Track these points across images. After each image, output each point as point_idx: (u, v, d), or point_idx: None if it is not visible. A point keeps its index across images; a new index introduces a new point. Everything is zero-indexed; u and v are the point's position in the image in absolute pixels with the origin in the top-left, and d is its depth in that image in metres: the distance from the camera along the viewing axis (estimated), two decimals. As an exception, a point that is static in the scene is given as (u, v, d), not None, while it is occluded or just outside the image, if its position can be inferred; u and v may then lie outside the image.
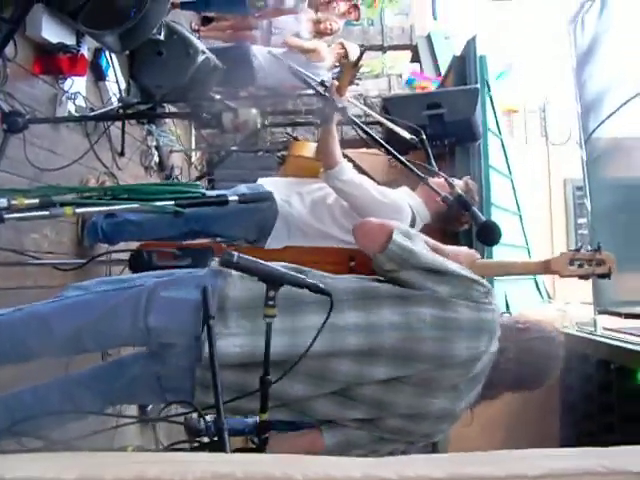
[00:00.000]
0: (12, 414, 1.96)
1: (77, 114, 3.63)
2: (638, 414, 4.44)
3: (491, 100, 5.76)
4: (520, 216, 6.30)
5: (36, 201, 1.76)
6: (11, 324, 2.02)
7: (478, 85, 5.24)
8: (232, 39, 6.03)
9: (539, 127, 8.74)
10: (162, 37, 4.22)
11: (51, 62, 3.43)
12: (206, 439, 1.73)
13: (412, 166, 2.94)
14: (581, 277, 2.46)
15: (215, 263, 2.01)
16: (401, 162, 2.90)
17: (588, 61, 5.61)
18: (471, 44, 5.55)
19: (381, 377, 1.89)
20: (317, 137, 5.69)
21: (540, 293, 6.23)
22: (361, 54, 3.15)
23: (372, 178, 4.13)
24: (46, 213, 1.79)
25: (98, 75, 4.01)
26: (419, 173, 2.94)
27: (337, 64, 5.94)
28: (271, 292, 1.67)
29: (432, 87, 7.63)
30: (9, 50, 3.04)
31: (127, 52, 4.20)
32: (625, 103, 4.85)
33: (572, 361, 5.50)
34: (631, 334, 4.92)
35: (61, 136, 3.53)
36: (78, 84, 3.66)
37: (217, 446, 1.58)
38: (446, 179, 2.84)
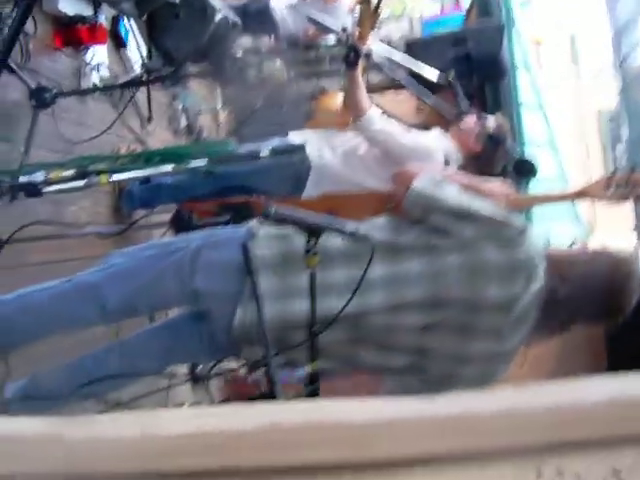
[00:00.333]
0: (76, 379, 2.00)
1: (102, 84, 3.63)
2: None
3: (518, 34, 5.61)
4: (555, 150, 6.19)
5: (72, 172, 1.77)
6: (63, 295, 2.05)
7: (504, 20, 5.10)
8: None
9: (569, 58, 8.51)
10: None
11: (71, 34, 3.44)
12: (258, 392, 1.75)
13: (441, 106, 2.90)
14: (619, 199, 2.40)
15: (254, 222, 2.01)
16: (431, 105, 2.86)
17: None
18: (494, -23, 5.39)
19: (413, 324, 1.88)
20: (343, 86, 5.63)
21: (580, 227, 6.14)
22: (379, 2, 3.08)
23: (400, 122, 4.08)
24: (82, 183, 1.80)
25: (118, 43, 4.01)
26: (447, 114, 2.90)
27: (356, 5, 5.81)
28: (312, 241, 1.67)
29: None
30: (29, 27, 3.04)
31: (145, 17, 4.16)
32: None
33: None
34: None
35: (88, 107, 3.55)
36: (100, 54, 3.67)
37: (269, 398, 1.60)
38: (478, 115, 2.79)
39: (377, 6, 3.11)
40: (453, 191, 1.94)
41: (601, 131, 8.50)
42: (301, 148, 2.20)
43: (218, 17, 4.43)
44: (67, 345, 2.33)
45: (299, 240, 1.79)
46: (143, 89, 4.15)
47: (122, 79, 3.78)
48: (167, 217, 2.69)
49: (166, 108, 4.69)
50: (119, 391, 1.94)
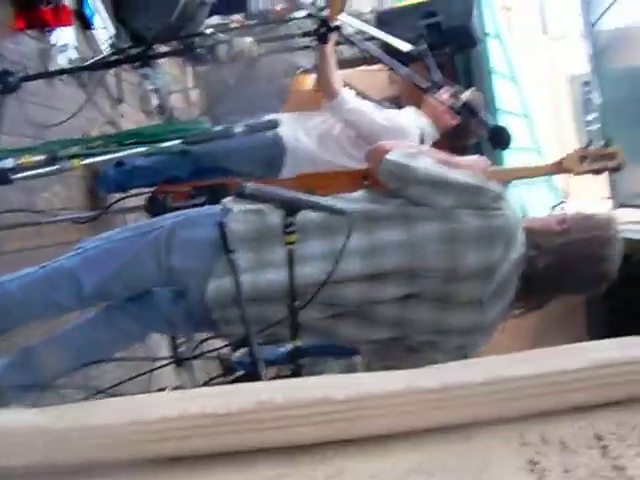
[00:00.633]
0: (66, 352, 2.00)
1: (69, 66, 3.56)
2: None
3: (488, 1, 5.59)
4: (528, 118, 6.21)
5: (43, 157, 1.74)
6: (38, 282, 2.03)
7: (473, -12, 5.07)
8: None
9: (539, 23, 8.51)
10: (144, -23, 4.11)
11: (33, 16, 3.35)
12: (242, 372, 1.75)
13: (413, 78, 2.89)
14: (594, 172, 2.44)
15: (227, 200, 2.00)
16: (402, 75, 2.85)
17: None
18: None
19: (392, 296, 1.87)
20: (315, 60, 5.59)
21: (556, 195, 6.18)
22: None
23: (373, 100, 4.07)
24: (54, 168, 1.77)
25: (85, 24, 3.92)
26: (421, 85, 2.89)
27: None
28: (289, 218, 1.66)
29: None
30: (-15, 8, 2.97)
31: (111, -4, 4.10)
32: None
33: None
34: (651, 225, 4.89)
35: (57, 90, 3.48)
36: (66, 35, 3.59)
37: (254, 377, 1.60)
38: (451, 89, 2.79)
39: None
40: (427, 162, 1.93)
41: (574, 96, 8.53)
42: (274, 123, 2.18)
43: (186, -6, 4.38)
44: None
45: (274, 215, 1.79)
46: (113, 70, 4.08)
47: (90, 60, 3.71)
48: (142, 201, 2.65)
49: (137, 89, 4.62)
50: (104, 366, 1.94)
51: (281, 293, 1.74)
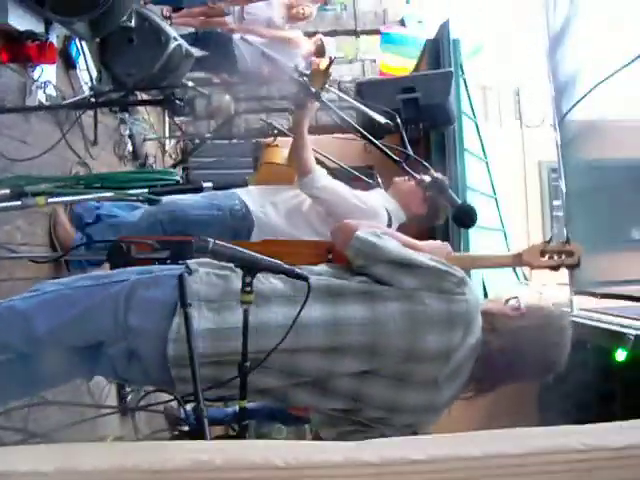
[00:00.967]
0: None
1: (48, 103, 3.57)
2: (614, 392, 4.50)
3: (465, 83, 5.76)
4: (496, 199, 6.34)
5: (7, 192, 1.73)
6: None
7: (452, 69, 5.24)
8: (204, 25, 5.98)
9: (513, 109, 8.77)
10: (133, 24, 4.17)
11: (19, 50, 3.37)
12: (186, 428, 1.72)
13: (387, 150, 2.94)
14: (551, 268, 2.52)
15: (192, 262, 1.99)
16: (376, 146, 2.90)
17: (560, 43, 5.63)
18: (444, 28, 5.54)
19: (351, 370, 1.88)
20: (291, 122, 5.68)
21: (517, 275, 6.28)
22: (330, 62, 3.14)
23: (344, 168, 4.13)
24: (18, 203, 1.75)
25: (68, 63, 3.95)
26: (394, 157, 2.94)
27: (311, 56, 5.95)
28: (248, 278, 1.67)
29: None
30: (-25, 38, 2.99)
31: (98, 39, 4.14)
32: (598, 84, 4.88)
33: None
34: (607, 314, 4.97)
35: (32, 126, 3.47)
36: (48, 73, 3.61)
37: (197, 434, 1.58)
38: (420, 162, 2.85)
39: (327, 68, 3.17)
40: (394, 243, 1.98)
41: (541, 181, 8.74)
42: (243, 181, 2.19)
43: (172, 45, 4.44)
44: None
45: (238, 280, 1.78)
46: (90, 112, 4.10)
47: (69, 100, 3.73)
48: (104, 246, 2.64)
49: (112, 132, 4.63)
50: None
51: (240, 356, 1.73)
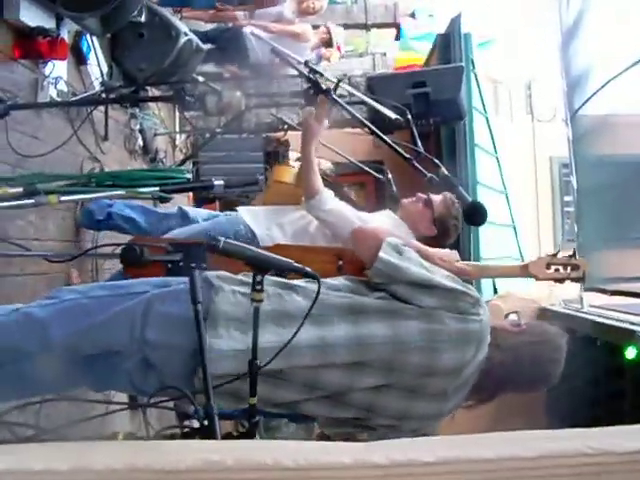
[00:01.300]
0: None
1: (59, 99, 3.59)
2: (622, 390, 4.49)
3: (476, 78, 5.74)
4: (506, 194, 6.32)
5: (20, 190, 1.74)
6: (8, 326, 2.00)
7: (463, 63, 5.22)
8: (214, 20, 5.98)
9: (524, 104, 8.73)
10: (143, 19, 4.18)
11: (30, 46, 3.38)
12: (196, 424, 1.73)
13: (397, 147, 2.94)
14: (557, 281, 2.58)
15: (213, 276, 2.00)
16: (386, 143, 2.90)
17: (573, 38, 5.60)
18: (456, 22, 5.52)
19: (369, 385, 1.94)
20: (300, 118, 5.68)
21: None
22: (336, 85, 3.13)
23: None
24: (31, 202, 1.77)
25: (79, 59, 3.96)
26: (403, 154, 2.94)
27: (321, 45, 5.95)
28: (258, 277, 1.68)
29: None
30: (-13, 34, 3.00)
31: (108, 35, 4.15)
32: (610, 80, 4.85)
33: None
34: (617, 311, 4.96)
35: (43, 121, 3.49)
36: (59, 68, 3.62)
37: (207, 431, 1.59)
38: (431, 159, 2.84)
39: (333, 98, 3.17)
40: (415, 260, 2.02)
41: (552, 176, 8.71)
42: (256, 179, 2.19)
43: (182, 40, 4.45)
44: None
45: (265, 302, 1.82)
46: (101, 107, 4.11)
47: (80, 95, 3.74)
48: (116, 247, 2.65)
49: (123, 127, 4.65)
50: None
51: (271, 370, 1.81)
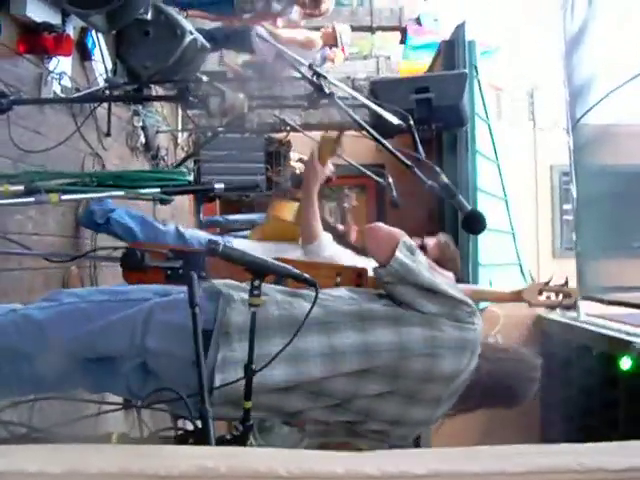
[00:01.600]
0: None
1: (63, 94, 3.59)
2: (617, 400, 4.51)
3: (479, 85, 5.75)
4: (506, 201, 6.33)
5: (21, 188, 1.75)
6: (5, 328, 2.01)
7: (466, 70, 5.23)
8: (220, 19, 5.98)
9: (526, 111, 8.74)
10: (149, 17, 4.19)
11: (36, 41, 3.39)
12: (190, 425, 1.74)
13: (397, 153, 2.94)
14: (548, 307, 2.64)
15: (221, 284, 2.01)
16: (388, 150, 2.90)
17: (577, 47, 5.61)
18: (460, 29, 5.54)
19: (373, 392, 1.97)
20: (303, 119, 5.68)
21: (524, 278, 6.27)
22: (341, 132, 3.13)
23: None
24: (31, 200, 1.77)
25: (84, 55, 3.97)
26: (405, 160, 2.94)
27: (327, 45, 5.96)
28: (256, 281, 1.69)
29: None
30: (-7, 28, 3.00)
31: (114, 32, 4.15)
32: (613, 90, 4.86)
33: (554, 346, 5.56)
34: (613, 320, 4.98)
35: (46, 116, 3.49)
36: (64, 64, 3.62)
37: (201, 433, 1.59)
38: (431, 166, 2.84)
39: (338, 137, 3.17)
40: (424, 264, 2.05)
41: (552, 184, 8.72)
42: (255, 184, 2.19)
43: (187, 39, 4.45)
44: None
45: (271, 305, 1.90)
46: (104, 103, 4.12)
47: (84, 91, 3.74)
48: (119, 250, 2.64)
49: (126, 124, 4.65)
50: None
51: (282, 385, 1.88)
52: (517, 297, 2.64)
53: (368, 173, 4.48)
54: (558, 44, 5.97)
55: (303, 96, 2.96)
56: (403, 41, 8.67)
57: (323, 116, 5.72)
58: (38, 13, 3.30)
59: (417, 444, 2.08)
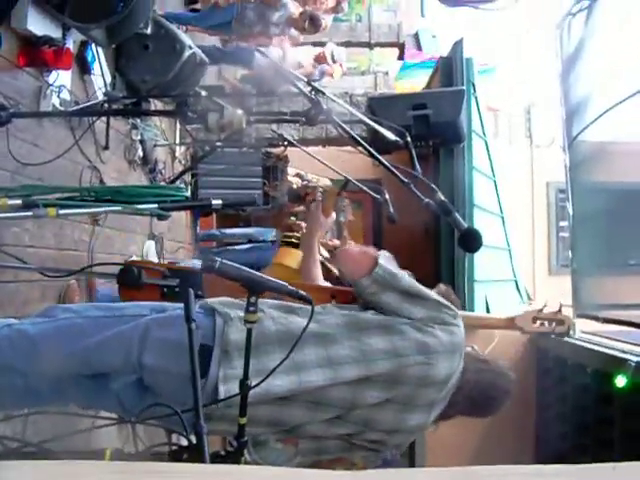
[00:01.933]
0: None
1: (62, 107, 3.60)
2: (612, 418, 4.49)
3: (477, 102, 5.78)
4: (502, 218, 6.35)
5: (19, 202, 1.75)
6: None
7: (464, 87, 5.26)
8: (218, 34, 6.02)
9: (523, 128, 8.78)
10: (149, 31, 4.21)
11: (36, 55, 3.40)
12: (184, 441, 1.73)
13: (394, 170, 2.95)
14: (542, 333, 2.66)
15: (215, 302, 2.02)
16: (385, 166, 2.91)
17: (573, 66, 5.64)
18: (458, 46, 5.57)
19: (372, 401, 1.99)
20: (300, 135, 5.70)
21: (520, 294, 6.28)
22: (345, 184, 3.16)
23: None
24: (29, 214, 1.78)
25: (84, 68, 3.98)
26: (401, 177, 2.95)
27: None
28: (252, 298, 1.69)
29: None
30: (-7, 41, 3.02)
31: (113, 46, 4.18)
32: (610, 109, 4.89)
33: (549, 363, 5.56)
34: (608, 338, 4.97)
35: (45, 129, 3.50)
36: (63, 77, 3.64)
37: (196, 449, 1.59)
38: (429, 184, 2.85)
39: (342, 188, 3.19)
40: (404, 273, 2.08)
41: (549, 201, 8.75)
42: (253, 199, 2.20)
43: (187, 53, 4.47)
44: None
45: (268, 321, 1.93)
46: (103, 117, 4.13)
47: (83, 105, 3.75)
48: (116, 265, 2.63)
49: (124, 137, 4.66)
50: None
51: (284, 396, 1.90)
52: (510, 324, 2.67)
53: (365, 189, 4.49)
54: (555, 62, 6.01)
55: (301, 112, 2.96)
56: (401, 57, 8.73)
57: (320, 131, 5.75)
58: (39, 27, 3.32)
59: (411, 448, 2.08)
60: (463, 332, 2.07)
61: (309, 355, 1.93)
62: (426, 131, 4.89)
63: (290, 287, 1.72)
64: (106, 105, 3.71)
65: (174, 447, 1.81)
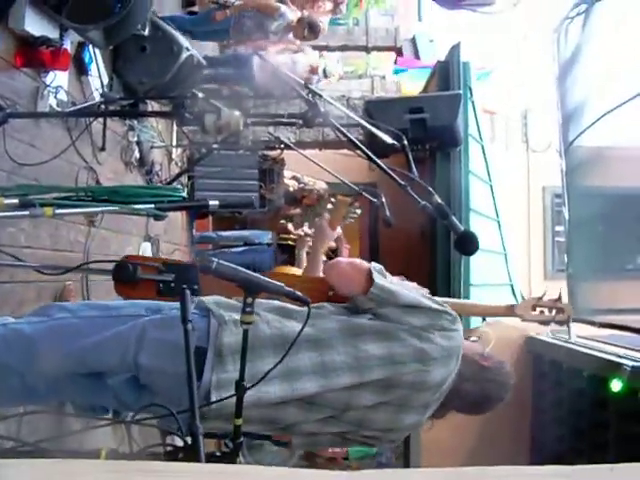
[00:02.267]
0: None
1: (58, 108, 3.60)
2: (608, 422, 4.51)
3: (473, 106, 5.79)
4: (498, 222, 6.36)
5: (15, 201, 1.75)
6: None
7: (461, 91, 5.27)
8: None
9: (520, 133, 8.79)
10: (146, 33, 4.21)
11: (33, 55, 3.40)
12: (179, 441, 1.73)
13: (391, 172, 2.96)
14: (542, 323, 2.64)
15: (203, 300, 2.01)
16: (382, 169, 2.91)
17: (570, 71, 5.66)
18: (455, 50, 5.58)
19: (367, 404, 1.99)
20: (297, 137, 5.71)
21: (516, 298, 6.28)
22: (355, 198, 3.16)
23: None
24: (26, 213, 1.77)
25: (81, 69, 3.99)
26: (398, 180, 2.95)
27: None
28: (249, 299, 1.68)
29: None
30: (-10, 42, 3.02)
31: (111, 47, 4.18)
32: (606, 114, 4.91)
33: (545, 367, 5.57)
34: (604, 342, 4.99)
35: (41, 130, 3.50)
36: (60, 78, 3.64)
37: (191, 450, 1.59)
38: (426, 187, 2.85)
39: (352, 202, 3.19)
40: (397, 282, 2.10)
41: (545, 206, 8.76)
42: (250, 201, 2.20)
43: (184, 55, 4.48)
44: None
45: (263, 324, 1.92)
46: (100, 117, 4.13)
47: (79, 105, 3.75)
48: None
49: (120, 139, 4.66)
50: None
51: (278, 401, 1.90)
52: (510, 311, 2.63)
53: (363, 192, 4.50)
54: (552, 67, 6.03)
55: (298, 114, 2.96)
56: (396, 62, 8.75)
57: (317, 134, 5.75)
58: (36, 27, 3.32)
59: (407, 448, 2.08)
60: (462, 336, 2.07)
61: (303, 360, 1.93)
62: (423, 135, 4.90)
63: (287, 288, 1.72)
64: (103, 106, 3.70)
65: (169, 448, 1.81)
